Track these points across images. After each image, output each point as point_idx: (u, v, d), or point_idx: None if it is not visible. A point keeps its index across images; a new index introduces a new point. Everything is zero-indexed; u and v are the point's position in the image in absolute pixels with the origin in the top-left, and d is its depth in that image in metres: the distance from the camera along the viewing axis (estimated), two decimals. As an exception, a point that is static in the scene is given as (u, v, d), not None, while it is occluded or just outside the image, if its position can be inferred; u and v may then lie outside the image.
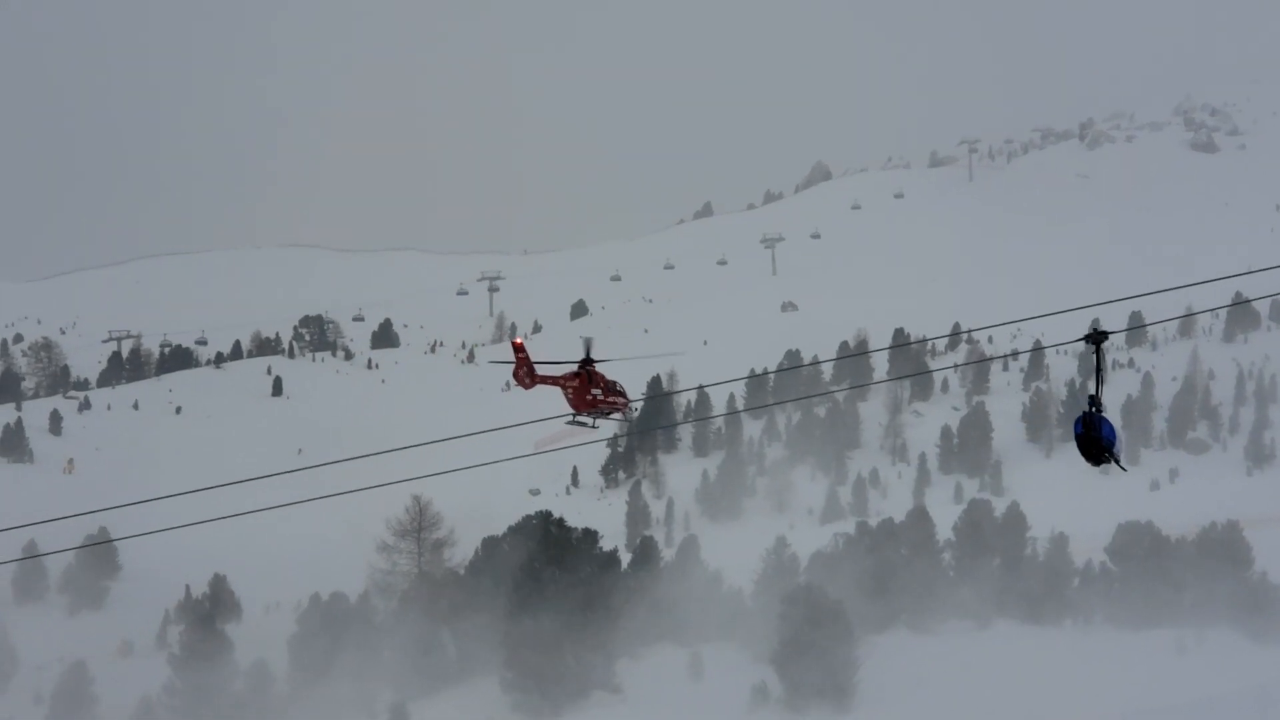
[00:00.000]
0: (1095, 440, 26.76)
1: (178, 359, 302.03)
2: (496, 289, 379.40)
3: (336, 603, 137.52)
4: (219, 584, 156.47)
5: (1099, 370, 26.73)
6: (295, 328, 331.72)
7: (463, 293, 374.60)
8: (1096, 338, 26.39)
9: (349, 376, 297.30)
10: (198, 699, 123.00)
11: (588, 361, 38.08)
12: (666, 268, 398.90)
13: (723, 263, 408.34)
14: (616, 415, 38.63)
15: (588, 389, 37.91)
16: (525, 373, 36.98)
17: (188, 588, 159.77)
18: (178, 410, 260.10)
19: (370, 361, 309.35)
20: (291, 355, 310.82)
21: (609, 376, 38.43)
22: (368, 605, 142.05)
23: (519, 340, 38.02)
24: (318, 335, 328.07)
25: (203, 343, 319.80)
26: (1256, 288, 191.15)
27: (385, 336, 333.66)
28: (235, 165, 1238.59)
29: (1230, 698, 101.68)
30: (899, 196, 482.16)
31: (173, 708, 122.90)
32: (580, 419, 37.74)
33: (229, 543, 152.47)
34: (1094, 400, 26.69)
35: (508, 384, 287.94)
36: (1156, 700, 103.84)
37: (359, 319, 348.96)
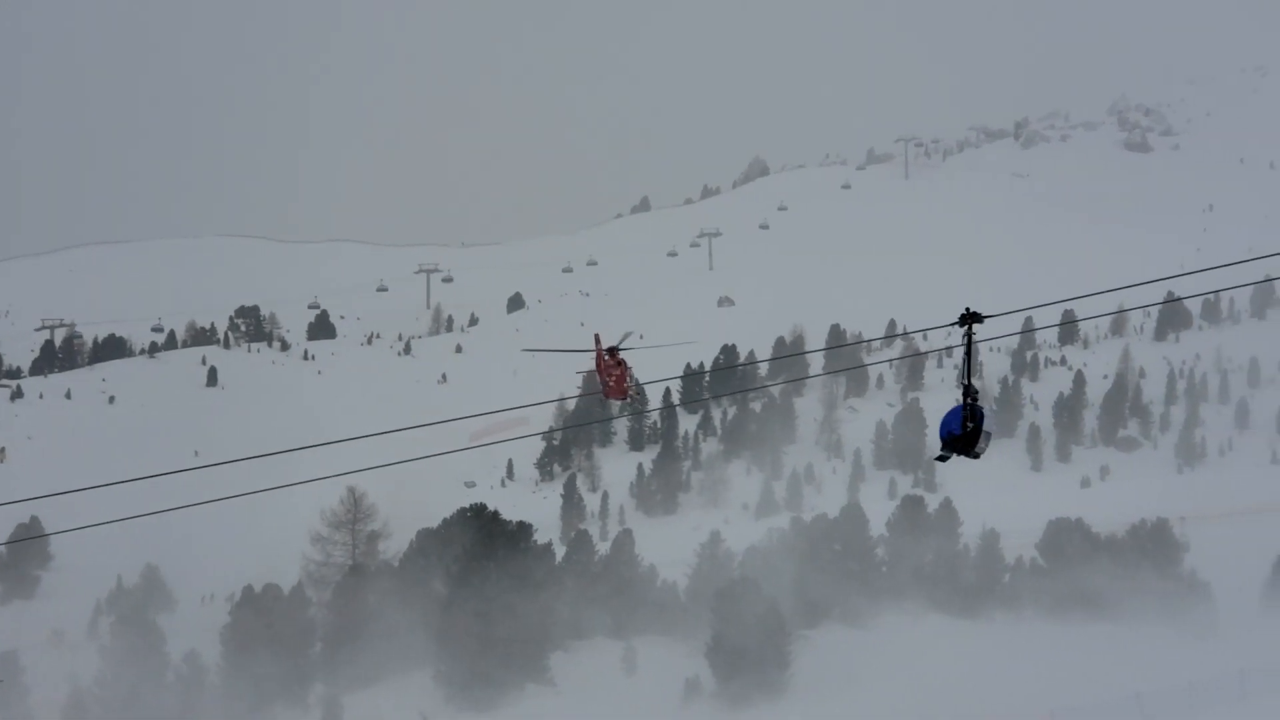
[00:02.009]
0: (975, 434, 26.10)
1: (111, 348, 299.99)
2: (450, 279, 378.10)
3: (269, 594, 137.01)
4: (151, 574, 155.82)
5: (967, 355, 25.91)
6: (231, 318, 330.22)
7: (382, 289, 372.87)
8: (969, 319, 25.48)
9: (285, 367, 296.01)
10: (129, 690, 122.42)
11: (615, 350, 38.53)
12: (589, 264, 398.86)
13: (673, 254, 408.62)
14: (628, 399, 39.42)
15: (625, 376, 38.71)
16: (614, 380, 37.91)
17: (120, 578, 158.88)
18: (111, 400, 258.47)
19: (306, 353, 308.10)
20: (227, 345, 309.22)
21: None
22: (301, 597, 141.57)
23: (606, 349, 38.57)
24: (254, 326, 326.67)
25: (159, 329, 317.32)
26: (1188, 287, 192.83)
27: (322, 328, 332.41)
28: (172, 153, 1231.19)
29: (1160, 694, 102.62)
30: (846, 187, 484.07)
31: (104, 699, 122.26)
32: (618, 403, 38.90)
33: (162, 533, 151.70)
34: (969, 390, 25.88)
35: (444, 376, 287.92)
36: (1086, 696, 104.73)
37: (314, 306, 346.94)
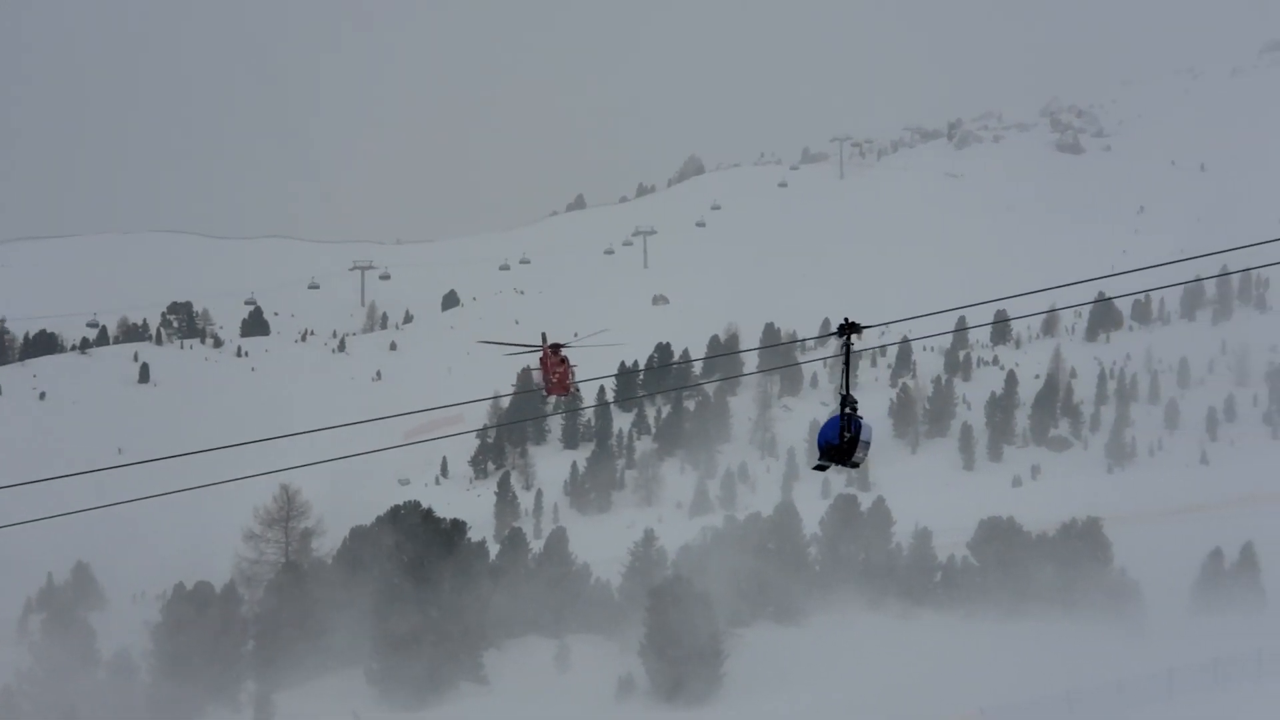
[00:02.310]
0: (852, 444, 26.21)
1: (42, 344, 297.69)
2: (388, 277, 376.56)
3: (201, 592, 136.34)
4: (82, 572, 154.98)
5: (846, 366, 26.31)
6: (164, 314, 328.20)
7: (314, 286, 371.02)
8: (847, 329, 25.77)
9: (218, 364, 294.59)
10: (60, 688, 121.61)
11: (557, 347, 38.91)
12: (522, 262, 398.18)
13: (609, 252, 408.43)
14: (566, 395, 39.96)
15: (569, 373, 39.27)
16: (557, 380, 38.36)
17: (50, 575, 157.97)
18: (42, 396, 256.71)
19: (240, 349, 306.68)
20: (159, 342, 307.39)
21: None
22: (233, 595, 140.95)
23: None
24: (186, 322, 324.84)
25: (94, 325, 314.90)
26: (1119, 288, 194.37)
27: (255, 324, 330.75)
28: (106, 148, 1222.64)
29: (1090, 691, 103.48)
30: (782, 185, 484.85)
31: (34, 696, 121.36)
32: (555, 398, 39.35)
33: (93, 530, 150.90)
34: (847, 400, 25.93)
35: (378, 373, 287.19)
36: (1018, 694, 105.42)
37: (250, 303, 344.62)
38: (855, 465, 26.05)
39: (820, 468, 26.24)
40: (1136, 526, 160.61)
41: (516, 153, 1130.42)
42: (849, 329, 25.47)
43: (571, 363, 39.63)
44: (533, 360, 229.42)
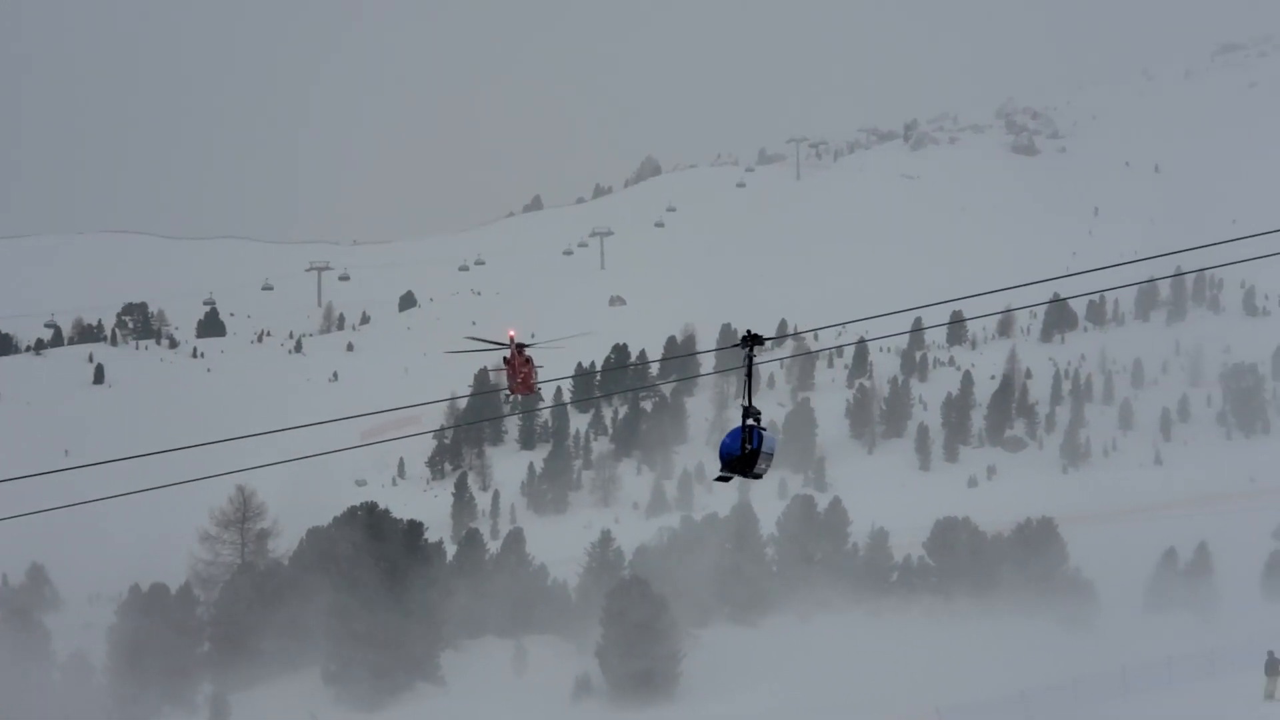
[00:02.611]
0: (753, 456, 26.25)
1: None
2: (347, 278, 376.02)
3: (157, 594, 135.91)
4: (37, 573, 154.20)
5: (748, 377, 26.17)
6: (118, 315, 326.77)
7: (268, 288, 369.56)
8: (750, 341, 25.51)
9: (173, 365, 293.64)
10: (14, 690, 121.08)
11: (523, 347, 39.14)
12: (477, 263, 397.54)
13: (568, 253, 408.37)
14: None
15: (533, 372, 39.61)
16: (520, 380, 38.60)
17: (4, 577, 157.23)
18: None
19: (195, 350, 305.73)
20: (114, 343, 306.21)
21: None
22: (189, 596, 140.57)
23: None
24: (141, 323, 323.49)
25: (51, 325, 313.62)
26: (1074, 289, 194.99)
27: (211, 325, 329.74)
28: (56, 148, 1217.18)
29: (1045, 690, 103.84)
30: (740, 186, 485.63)
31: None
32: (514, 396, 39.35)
33: (48, 532, 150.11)
34: (749, 411, 25.65)
35: (335, 374, 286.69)
36: (973, 693, 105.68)
37: (209, 303, 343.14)
38: (757, 476, 26.20)
39: (722, 479, 26.40)
40: (1091, 526, 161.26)
41: (473, 153, 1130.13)
42: (751, 340, 25.50)
43: (536, 363, 39.85)
44: (493, 360, 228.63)
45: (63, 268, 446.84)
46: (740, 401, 26.01)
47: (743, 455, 25.55)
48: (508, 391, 40.05)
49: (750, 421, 25.44)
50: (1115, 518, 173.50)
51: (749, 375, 25.99)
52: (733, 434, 25.61)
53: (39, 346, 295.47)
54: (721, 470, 25.91)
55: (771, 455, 25.62)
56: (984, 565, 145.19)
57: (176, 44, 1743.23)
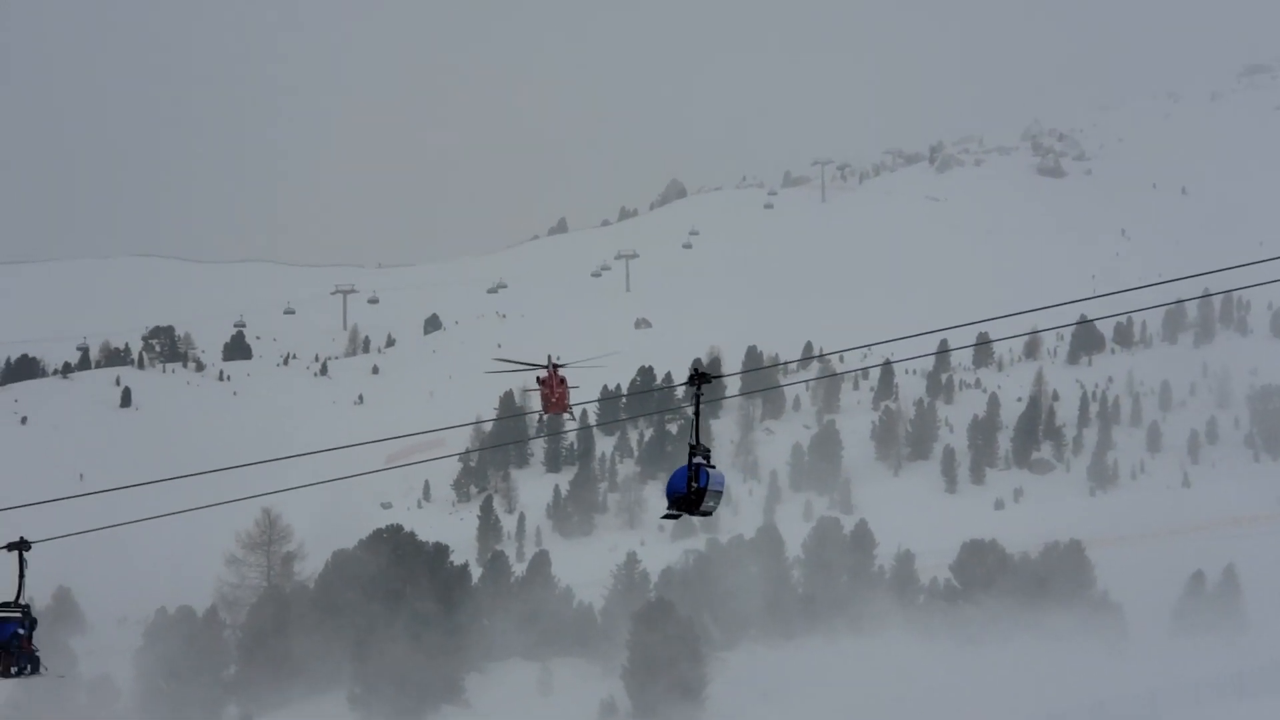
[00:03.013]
0: (699, 495, 26.16)
1: (23, 368, 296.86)
2: (376, 301, 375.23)
3: (183, 617, 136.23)
4: (63, 596, 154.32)
5: (696, 415, 26.53)
6: (145, 338, 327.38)
7: (289, 311, 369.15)
8: (698, 379, 26.00)
9: (200, 388, 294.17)
10: (41, 714, 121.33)
11: (557, 367, 39.49)
12: (500, 286, 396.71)
13: (596, 274, 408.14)
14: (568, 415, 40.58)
15: (567, 392, 40.03)
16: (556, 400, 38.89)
17: (31, 600, 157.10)
18: (23, 420, 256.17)
19: (222, 373, 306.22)
20: (141, 366, 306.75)
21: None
22: (215, 619, 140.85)
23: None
24: (168, 346, 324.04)
25: (83, 348, 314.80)
26: (1100, 310, 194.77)
27: (237, 348, 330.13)
28: (83, 172, 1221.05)
29: (1071, 714, 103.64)
30: (769, 207, 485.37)
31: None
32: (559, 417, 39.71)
33: (74, 555, 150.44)
34: (696, 449, 26.16)
35: (360, 397, 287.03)
36: (1002, 715, 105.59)
37: (240, 325, 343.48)
38: (706, 513, 26.40)
39: (670, 516, 26.63)
40: (1118, 549, 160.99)
41: (498, 176, 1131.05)
42: (699, 379, 25.89)
43: (570, 383, 40.25)
44: (520, 380, 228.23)
45: (89, 291, 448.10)
46: (690, 441, 25.93)
47: (688, 494, 25.87)
48: (541, 412, 40.25)
49: (697, 460, 25.68)
50: (1143, 540, 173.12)
51: (696, 414, 26.40)
52: (679, 472, 25.98)
53: (66, 370, 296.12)
54: (668, 508, 26.14)
55: (720, 493, 26.03)
56: (1011, 588, 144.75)
57: (200, 69, 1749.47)
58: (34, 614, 28.24)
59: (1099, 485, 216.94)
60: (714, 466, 26.20)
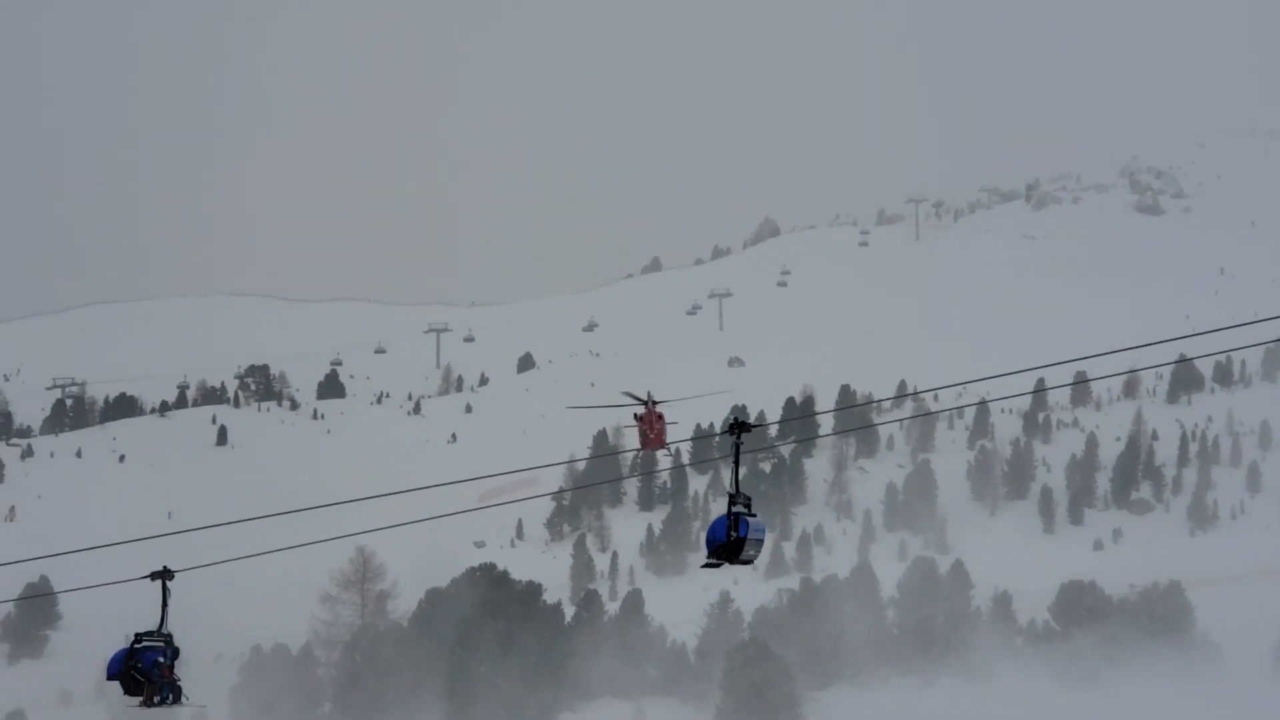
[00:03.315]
0: (739, 544, 25.95)
1: (121, 407, 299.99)
2: (472, 339, 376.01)
3: (278, 654, 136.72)
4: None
5: (735, 464, 26.27)
6: (240, 377, 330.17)
7: (380, 350, 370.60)
8: (738, 428, 25.85)
9: (294, 426, 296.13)
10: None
11: (649, 403, 39.64)
12: (594, 325, 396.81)
13: (691, 312, 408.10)
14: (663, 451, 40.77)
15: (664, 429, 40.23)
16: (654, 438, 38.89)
17: (128, 637, 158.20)
18: (121, 459, 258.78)
19: (316, 412, 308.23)
20: (237, 404, 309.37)
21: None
22: (310, 656, 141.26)
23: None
24: (263, 385, 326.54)
25: (184, 385, 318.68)
26: (1200, 349, 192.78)
27: (331, 387, 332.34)
28: (181, 213, 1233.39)
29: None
30: (863, 245, 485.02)
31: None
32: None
33: (171, 592, 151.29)
34: (736, 498, 26.00)
35: (453, 435, 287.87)
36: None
37: (337, 363, 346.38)
38: (746, 562, 26.27)
39: (709, 565, 26.47)
40: (1219, 590, 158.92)
41: (591, 215, 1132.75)
42: (738, 428, 25.85)
43: (668, 419, 40.31)
44: (611, 418, 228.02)
45: (186, 330, 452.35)
46: (728, 488, 25.69)
47: (728, 542, 25.72)
48: (638, 449, 40.17)
49: (737, 509, 25.50)
50: (1243, 581, 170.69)
51: (736, 462, 26.19)
52: (719, 521, 25.85)
53: (163, 408, 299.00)
54: (708, 557, 25.99)
55: (761, 541, 25.98)
56: (1111, 629, 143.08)
57: (297, 110, 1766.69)
58: (175, 644, 28.26)
59: (1199, 525, 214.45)
60: (755, 515, 25.99)
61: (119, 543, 35.52)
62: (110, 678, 27.99)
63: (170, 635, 28.24)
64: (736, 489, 25.93)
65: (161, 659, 27.96)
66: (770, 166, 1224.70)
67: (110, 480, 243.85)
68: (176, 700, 28.07)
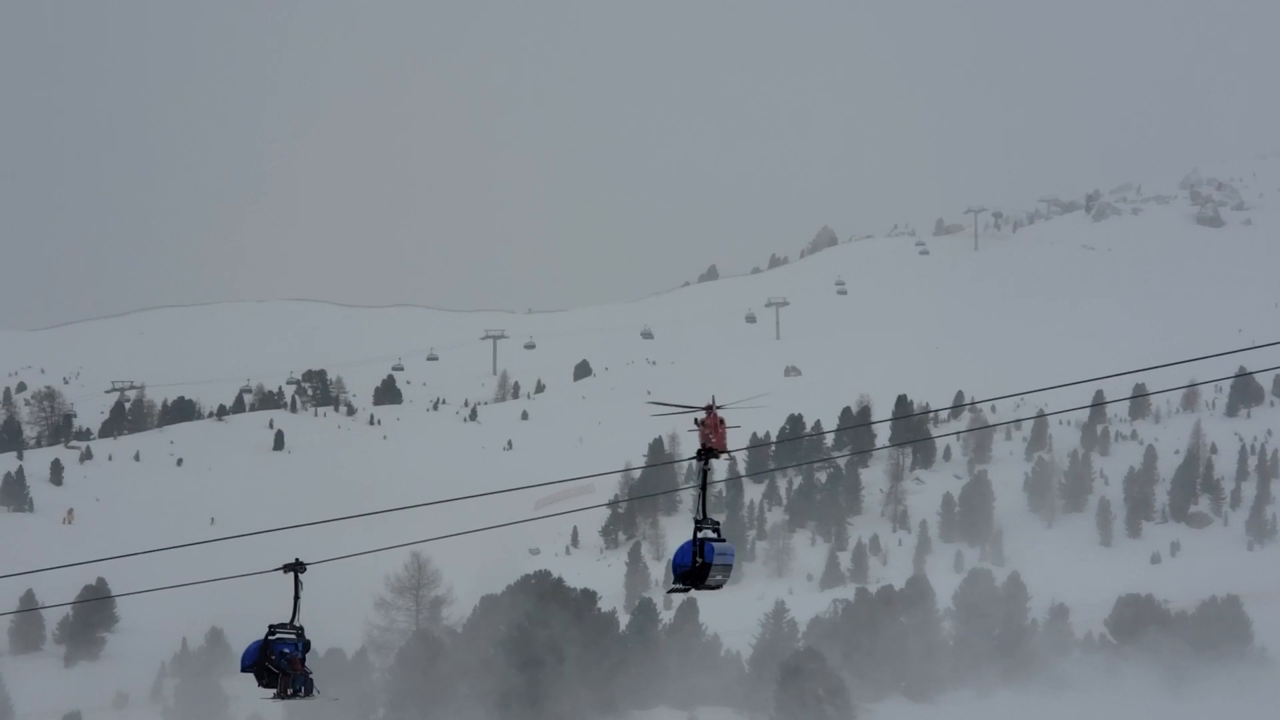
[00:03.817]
0: (704, 570, 25.88)
1: (180, 411, 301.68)
2: (533, 346, 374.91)
3: (333, 659, 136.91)
4: (216, 637, 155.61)
5: (703, 490, 26.14)
6: (298, 382, 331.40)
7: (433, 358, 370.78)
8: (704, 454, 25.77)
9: (351, 432, 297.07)
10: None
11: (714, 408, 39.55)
12: (651, 334, 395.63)
13: (751, 319, 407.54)
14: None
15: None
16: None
17: (185, 640, 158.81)
18: (179, 462, 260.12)
19: (372, 417, 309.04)
20: (294, 409, 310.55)
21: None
22: (364, 662, 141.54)
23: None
24: (320, 390, 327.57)
25: (249, 390, 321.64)
26: (1260, 362, 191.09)
27: (388, 392, 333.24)
28: (240, 218, 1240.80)
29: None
30: (924, 253, 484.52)
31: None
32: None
33: (227, 596, 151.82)
34: (703, 523, 25.89)
35: (509, 443, 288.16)
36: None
37: (399, 368, 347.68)
38: (713, 588, 26.04)
39: (676, 590, 26.32)
40: (1277, 604, 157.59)
41: (649, 223, 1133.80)
42: (705, 454, 25.82)
43: (729, 424, 40.03)
44: (672, 427, 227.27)
45: (245, 335, 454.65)
46: (694, 515, 25.39)
47: (693, 568, 25.45)
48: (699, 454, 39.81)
49: (701, 534, 25.28)
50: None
51: (703, 488, 26.07)
52: (685, 546, 25.62)
53: (221, 413, 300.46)
54: (674, 582, 25.83)
55: (729, 565, 25.70)
56: (1168, 643, 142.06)
57: (359, 116, 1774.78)
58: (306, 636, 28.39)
59: (1257, 539, 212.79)
60: (723, 539, 25.79)
61: (179, 546, 35.58)
62: (245, 669, 28.40)
63: (301, 628, 28.57)
64: (704, 514, 25.71)
65: (287, 650, 28.02)
66: (828, 176, 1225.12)
67: (168, 483, 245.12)
68: (309, 693, 28.42)
